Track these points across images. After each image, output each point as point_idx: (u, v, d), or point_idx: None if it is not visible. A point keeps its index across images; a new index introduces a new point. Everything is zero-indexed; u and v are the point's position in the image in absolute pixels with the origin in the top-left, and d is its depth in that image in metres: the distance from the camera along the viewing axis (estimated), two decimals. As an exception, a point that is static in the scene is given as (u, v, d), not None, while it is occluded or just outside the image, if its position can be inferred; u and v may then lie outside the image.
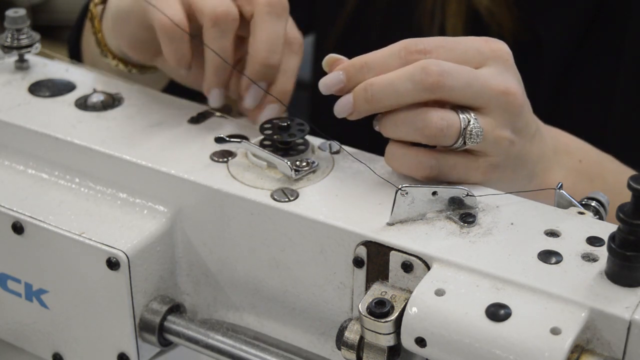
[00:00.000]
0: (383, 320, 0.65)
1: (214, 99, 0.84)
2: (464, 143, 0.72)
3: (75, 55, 1.15)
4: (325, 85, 0.75)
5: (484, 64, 0.74)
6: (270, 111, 0.82)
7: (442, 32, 1.09)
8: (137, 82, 0.92)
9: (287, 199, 0.73)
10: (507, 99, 0.73)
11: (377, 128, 0.75)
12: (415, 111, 0.71)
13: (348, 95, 0.74)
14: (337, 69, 0.75)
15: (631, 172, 0.92)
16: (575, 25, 1.10)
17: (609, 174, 0.88)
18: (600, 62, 1.11)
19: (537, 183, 0.80)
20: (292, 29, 0.82)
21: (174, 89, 0.97)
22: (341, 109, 0.74)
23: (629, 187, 0.60)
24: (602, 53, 1.11)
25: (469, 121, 0.72)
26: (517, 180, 0.78)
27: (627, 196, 0.85)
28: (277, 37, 0.79)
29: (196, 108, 0.85)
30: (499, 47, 0.75)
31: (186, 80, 0.89)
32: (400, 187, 0.69)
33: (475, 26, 1.09)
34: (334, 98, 0.75)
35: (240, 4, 0.80)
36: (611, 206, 0.79)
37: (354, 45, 0.78)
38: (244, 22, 0.80)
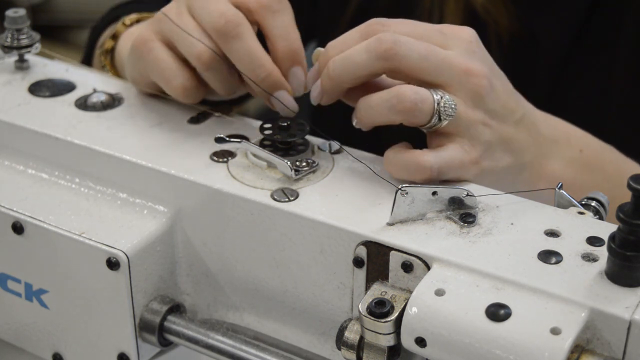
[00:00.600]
0: (383, 320, 0.65)
1: (284, 100, 0.80)
2: (439, 119, 0.72)
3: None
4: (309, 80, 0.78)
5: (446, 45, 0.74)
6: (294, 77, 0.80)
7: None
8: None
9: (287, 199, 0.73)
10: (470, 79, 0.73)
11: (355, 122, 0.75)
12: (387, 90, 0.73)
13: (318, 80, 0.76)
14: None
15: (632, 163, 0.92)
16: (571, 21, 1.11)
17: (610, 164, 0.88)
18: (596, 57, 1.11)
19: (533, 173, 0.80)
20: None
21: None
22: (313, 94, 0.77)
23: (629, 187, 0.60)
24: (598, 48, 1.11)
25: (441, 96, 0.72)
26: (508, 171, 0.78)
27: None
28: (247, 49, 0.77)
29: (196, 108, 0.85)
30: (462, 30, 0.76)
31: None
32: (400, 187, 0.69)
33: (472, 24, 1.10)
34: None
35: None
36: (611, 197, 0.80)
37: None
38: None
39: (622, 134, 1.01)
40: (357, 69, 0.73)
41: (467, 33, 0.76)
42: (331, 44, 0.76)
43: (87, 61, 1.15)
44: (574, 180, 0.83)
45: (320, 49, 0.78)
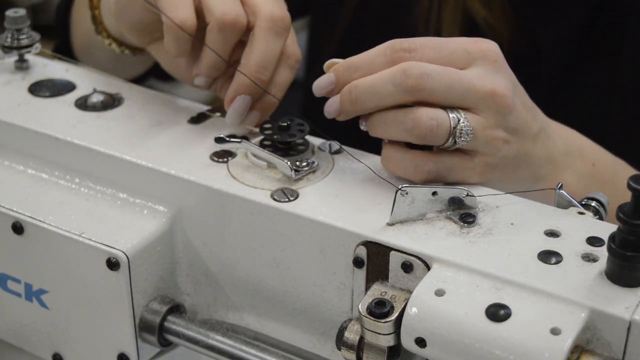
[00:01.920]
0: (383, 321, 0.65)
1: (199, 83, 0.83)
2: (455, 142, 0.72)
3: (62, 27, 1.13)
4: (318, 87, 0.76)
5: (471, 64, 0.73)
6: (251, 120, 0.81)
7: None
8: (121, 61, 0.91)
9: (287, 199, 0.73)
10: (495, 99, 0.72)
11: (363, 127, 0.75)
12: (404, 111, 0.72)
13: (335, 96, 0.75)
14: (329, 71, 0.76)
15: None
16: (573, 30, 1.10)
17: (621, 178, 0.88)
18: (598, 66, 1.11)
19: (545, 185, 0.80)
20: (293, 45, 0.81)
21: (155, 71, 0.97)
22: (329, 109, 0.75)
23: (629, 187, 0.60)
24: (600, 57, 1.11)
25: (459, 120, 0.72)
26: (521, 182, 0.78)
27: None
28: (272, 55, 0.79)
29: (196, 108, 0.85)
30: (487, 47, 0.74)
31: (176, 72, 0.89)
32: (400, 187, 0.69)
33: (470, 35, 1.10)
34: (325, 98, 0.76)
35: (246, 12, 0.80)
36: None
37: (350, 51, 0.77)
38: (247, 29, 0.80)
39: (624, 142, 1.01)
40: (382, 99, 0.72)
41: (493, 51, 0.74)
42: (353, 64, 0.75)
43: (65, 7, 1.12)
44: (586, 193, 0.83)
45: (335, 60, 0.77)
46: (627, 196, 0.86)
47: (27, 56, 0.92)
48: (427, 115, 0.71)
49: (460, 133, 0.72)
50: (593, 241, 0.67)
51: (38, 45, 0.91)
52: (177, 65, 0.86)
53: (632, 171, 0.91)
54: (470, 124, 0.72)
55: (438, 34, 1.11)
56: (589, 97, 1.12)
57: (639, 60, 1.08)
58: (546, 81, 1.12)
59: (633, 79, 1.09)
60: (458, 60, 0.73)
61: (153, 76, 1.07)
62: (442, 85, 0.71)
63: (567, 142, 0.83)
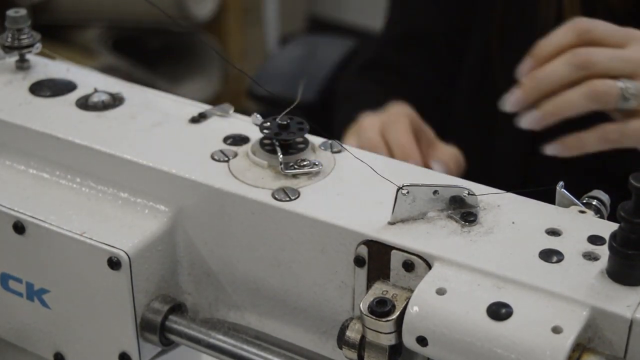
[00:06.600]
0: (384, 320, 0.65)
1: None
2: (625, 102, 0.88)
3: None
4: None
5: (629, 44, 0.91)
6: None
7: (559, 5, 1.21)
8: None
9: (288, 198, 0.73)
10: None
11: (551, 150, 0.93)
12: (579, 86, 0.89)
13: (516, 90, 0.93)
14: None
15: None
16: None
17: None
18: None
19: None
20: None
21: None
22: (511, 101, 0.93)
23: (631, 185, 0.60)
24: None
25: (624, 83, 0.88)
26: None
27: None
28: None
29: (197, 108, 0.85)
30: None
31: None
32: (401, 186, 0.69)
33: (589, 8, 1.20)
34: None
35: None
36: None
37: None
38: None
39: None
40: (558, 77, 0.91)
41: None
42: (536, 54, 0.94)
43: None
44: None
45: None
46: None
47: (28, 56, 0.92)
48: (601, 81, 0.87)
49: (629, 94, 0.88)
50: (594, 240, 0.67)
51: (39, 45, 0.91)
52: None
53: None
54: (637, 86, 0.88)
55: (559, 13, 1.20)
56: None
57: None
58: None
59: None
60: (622, 37, 0.91)
61: None
62: (606, 58, 0.88)
63: None
